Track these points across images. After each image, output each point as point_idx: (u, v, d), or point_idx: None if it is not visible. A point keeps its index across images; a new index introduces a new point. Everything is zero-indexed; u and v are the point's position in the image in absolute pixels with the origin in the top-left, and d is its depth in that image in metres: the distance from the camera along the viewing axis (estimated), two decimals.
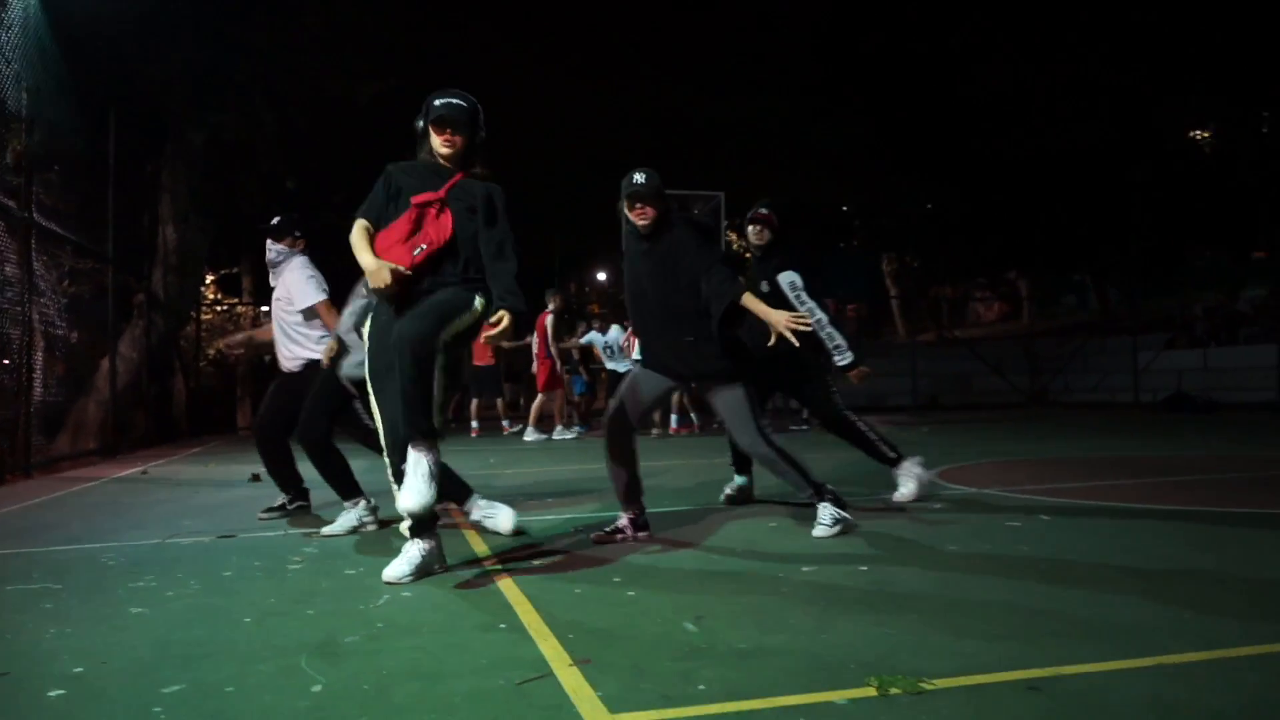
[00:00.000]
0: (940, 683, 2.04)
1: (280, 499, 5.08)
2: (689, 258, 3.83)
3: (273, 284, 5.04)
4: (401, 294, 3.38)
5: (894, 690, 2.00)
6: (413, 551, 3.31)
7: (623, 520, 4.03)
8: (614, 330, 12.77)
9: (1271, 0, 19.47)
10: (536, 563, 3.58)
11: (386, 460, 3.49)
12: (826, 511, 3.95)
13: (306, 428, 4.62)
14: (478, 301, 3.38)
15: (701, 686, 2.06)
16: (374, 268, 3.35)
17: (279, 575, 3.47)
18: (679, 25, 20.29)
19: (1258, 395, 15.68)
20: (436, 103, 3.53)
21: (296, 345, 4.91)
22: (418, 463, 3.20)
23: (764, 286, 4.77)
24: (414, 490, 3.19)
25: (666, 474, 6.71)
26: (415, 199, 3.45)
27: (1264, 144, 23.72)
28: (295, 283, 4.88)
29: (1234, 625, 2.45)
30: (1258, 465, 6.53)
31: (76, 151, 10.38)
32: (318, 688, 2.12)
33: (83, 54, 10.74)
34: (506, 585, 3.16)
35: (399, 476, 3.30)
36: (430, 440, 3.23)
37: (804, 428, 11.89)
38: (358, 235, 3.47)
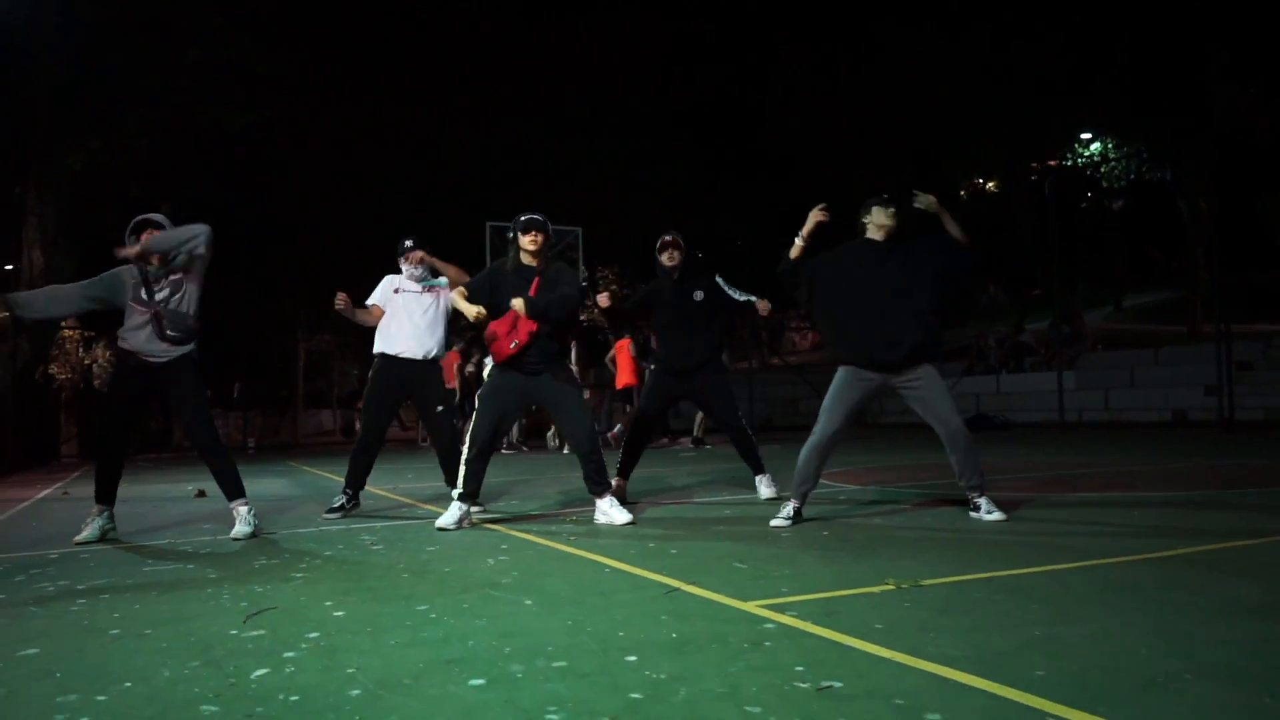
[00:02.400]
0: (930, 581, 3.24)
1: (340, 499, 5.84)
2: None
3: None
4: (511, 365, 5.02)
5: (904, 585, 3.18)
6: (455, 510, 4.99)
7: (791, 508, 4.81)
8: None
9: (1044, 69, 22.69)
10: (571, 532, 4.58)
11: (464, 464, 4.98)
12: (984, 503, 4.74)
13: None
14: (573, 370, 5.34)
15: (785, 590, 3.17)
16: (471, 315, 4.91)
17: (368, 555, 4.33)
18: (530, 69, 21.44)
19: (1042, 415, 18.23)
20: (523, 218, 5.06)
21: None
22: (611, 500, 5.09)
23: (698, 295, 5.94)
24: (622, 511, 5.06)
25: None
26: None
27: (1037, 195, 27.12)
28: None
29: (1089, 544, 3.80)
30: (1051, 467, 8.27)
31: None
32: (530, 601, 3.09)
33: None
34: (573, 550, 4.16)
35: (456, 477, 5.03)
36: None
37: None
38: (458, 297, 5.06)
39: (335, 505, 5.79)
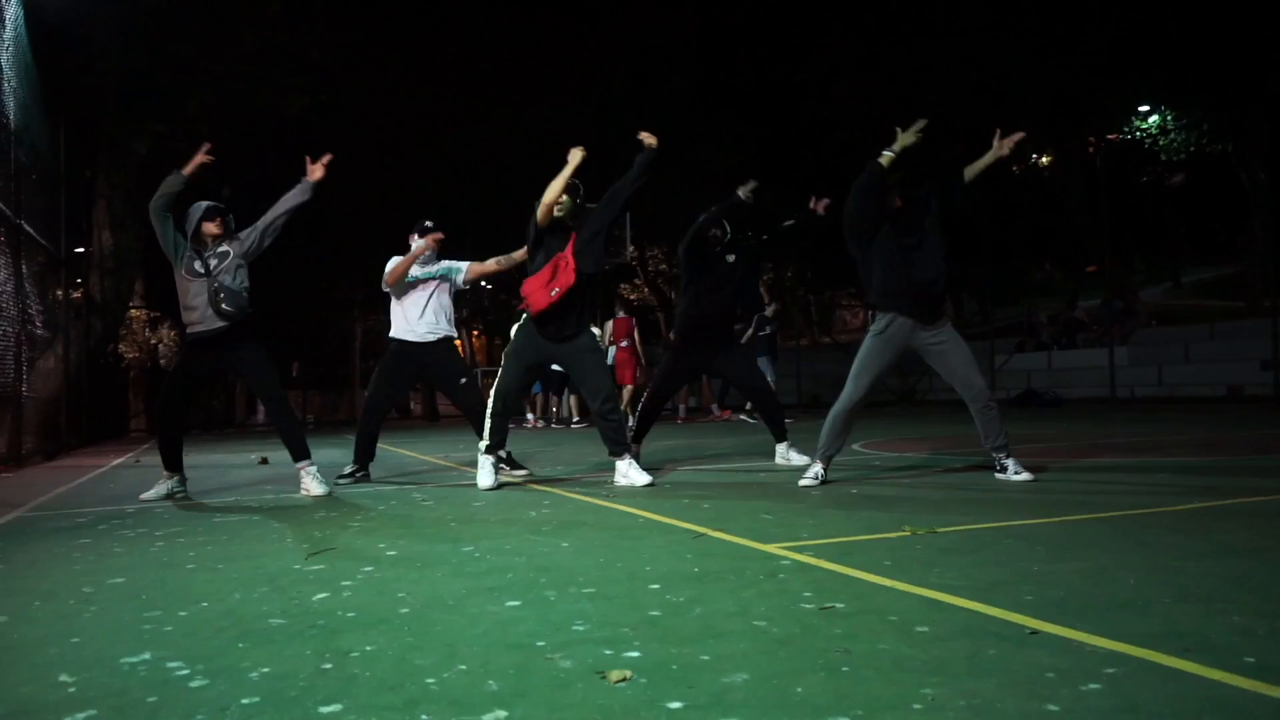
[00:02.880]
0: (945, 529, 3.42)
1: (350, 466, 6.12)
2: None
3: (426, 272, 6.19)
4: (547, 322, 5.23)
5: (919, 531, 3.36)
6: (487, 464, 5.28)
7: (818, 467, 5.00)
8: None
9: (1094, 44, 22.31)
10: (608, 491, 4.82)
11: (489, 418, 5.25)
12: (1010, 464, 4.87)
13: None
14: (596, 335, 5.47)
15: (805, 535, 3.38)
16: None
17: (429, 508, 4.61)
18: (577, 53, 21.62)
19: (1094, 391, 18.09)
20: None
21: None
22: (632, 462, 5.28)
23: (730, 258, 6.14)
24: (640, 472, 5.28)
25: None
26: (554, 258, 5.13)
27: (1090, 171, 26.69)
28: None
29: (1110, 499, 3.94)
30: (1088, 437, 8.32)
31: (44, 160, 10.88)
32: (566, 543, 3.34)
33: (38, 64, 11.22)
34: (622, 508, 4.40)
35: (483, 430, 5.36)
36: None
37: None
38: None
39: (346, 472, 6.10)
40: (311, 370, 34.51)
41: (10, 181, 9.19)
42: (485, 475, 5.28)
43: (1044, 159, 31.02)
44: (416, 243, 6.11)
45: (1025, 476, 4.82)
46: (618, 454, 5.30)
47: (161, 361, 25.04)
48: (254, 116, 15.38)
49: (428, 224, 6.17)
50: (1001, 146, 4.83)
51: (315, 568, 3.05)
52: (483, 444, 5.34)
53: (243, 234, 5.30)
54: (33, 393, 11.25)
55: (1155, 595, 2.32)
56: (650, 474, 5.34)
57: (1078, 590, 2.40)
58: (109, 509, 5.02)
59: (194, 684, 1.87)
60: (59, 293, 11.93)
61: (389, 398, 6.30)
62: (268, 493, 5.63)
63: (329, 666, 1.95)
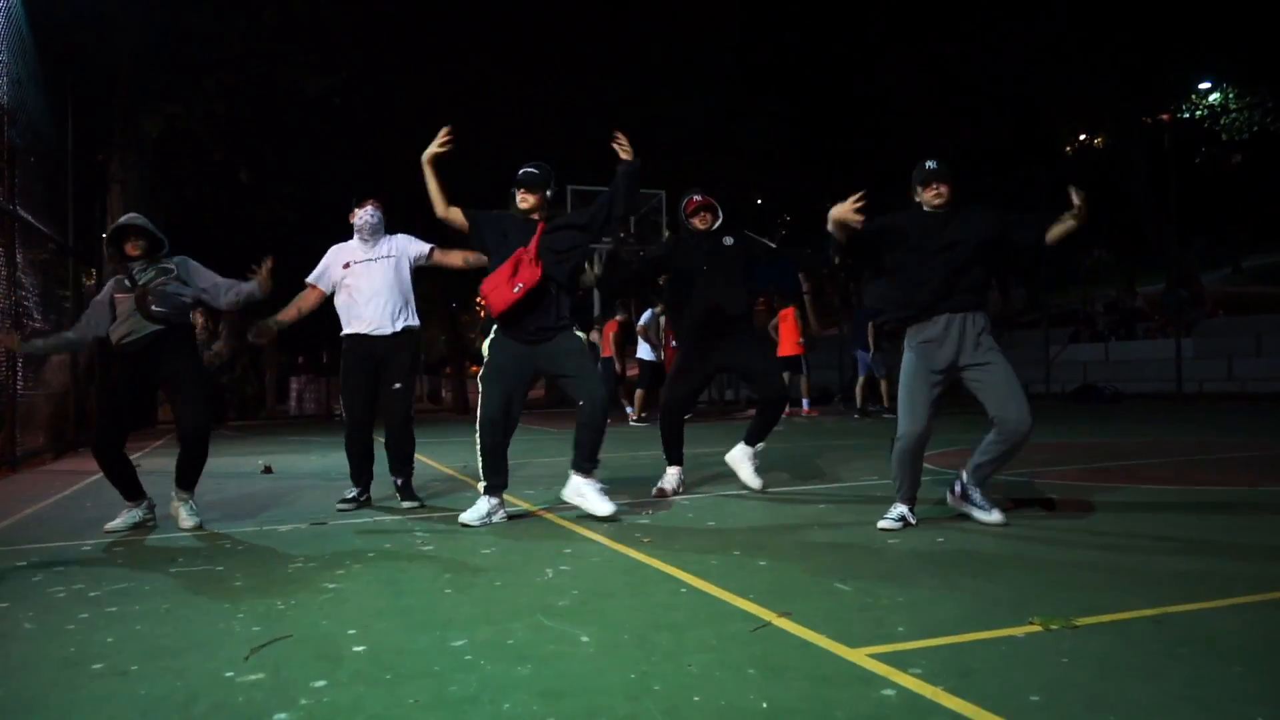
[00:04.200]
0: (1084, 620, 2.59)
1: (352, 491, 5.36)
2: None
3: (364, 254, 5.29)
4: (514, 321, 4.53)
5: (1053, 626, 2.54)
6: (482, 505, 4.52)
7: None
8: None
9: (1152, 18, 21.07)
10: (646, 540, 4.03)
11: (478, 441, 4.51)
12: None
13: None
14: (582, 339, 4.67)
15: (900, 629, 2.57)
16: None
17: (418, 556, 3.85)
18: (612, 28, 20.73)
19: (1157, 386, 17.00)
20: (520, 172, 4.60)
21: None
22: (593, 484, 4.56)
23: (727, 240, 5.40)
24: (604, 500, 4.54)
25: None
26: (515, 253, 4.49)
27: (1150, 149, 25.42)
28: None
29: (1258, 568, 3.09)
30: (1184, 449, 7.40)
31: (45, 140, 10.25)
32: (584, 639, 2.56)
33: (39, 39, 10.61)
34: (648, 560, 3.61)
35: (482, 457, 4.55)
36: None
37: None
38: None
39: (348, 497, 5.31)
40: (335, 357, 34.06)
41: (3, 164, 8.55)
42: (474, 511, 4.55)
43: (1098, 139, 29.72)
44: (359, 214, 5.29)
45: (997, 518, 4.08)
46: (583, 471, 4.58)
47: None
48: (273, 95, 14.68)
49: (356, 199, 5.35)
50: (1079, 208, 3.96)
51: (251, 678, 2.29)
52: (481, 485, 4.58)
53: (199, 278, 4.76)
54: (37, 389, 10.72)
55: None
56: (678, 494, 4.68)
57: None
58: (63, 544, 4.32)
59: None
60: (68, 283, 11.34)
61: (354, 419, 5.43)
62: (249, 523, 4.90)
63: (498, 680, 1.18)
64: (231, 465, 8.24)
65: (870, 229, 4.10)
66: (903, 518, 4.09)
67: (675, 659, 2.35)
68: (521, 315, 4.48)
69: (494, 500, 4.54)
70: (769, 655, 2.37)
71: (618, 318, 14.15)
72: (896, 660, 2.28)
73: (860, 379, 13.60)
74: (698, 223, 5.36)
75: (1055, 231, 4.05)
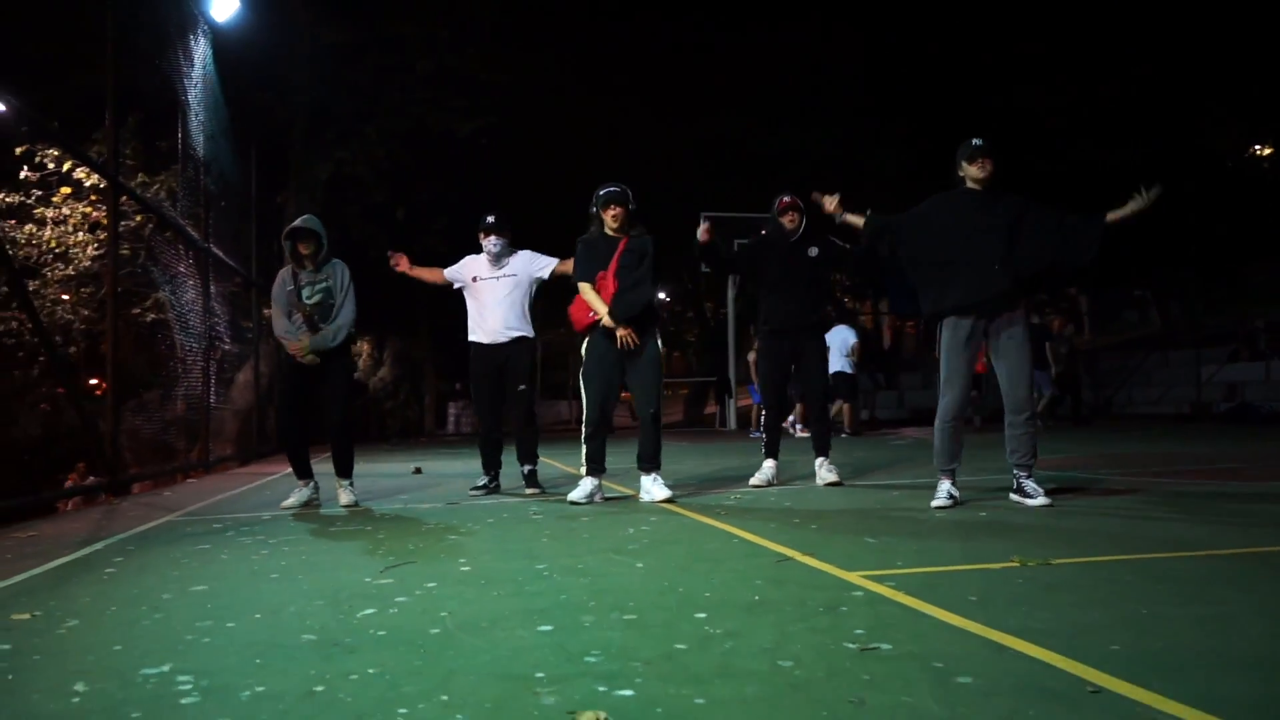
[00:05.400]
0: (1061, 560, 3.05)
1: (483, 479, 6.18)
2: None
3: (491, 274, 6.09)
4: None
5: (1030, 563, 3.01)
6: (586, 485, 5.22)
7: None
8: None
9: None
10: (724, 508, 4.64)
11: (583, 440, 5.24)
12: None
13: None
14: (660, 342, 5.30)
15: (899, 563, 3.09)
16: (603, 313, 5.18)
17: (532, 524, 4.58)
18: (737, 61, 21.44)
19: None
20: (602, 192, 5.26)
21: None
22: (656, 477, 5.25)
23: (812, 251, 5.82)
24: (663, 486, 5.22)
25: None
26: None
27: None
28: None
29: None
30: None
31: (233, 187, 11.73)
32: (639, 564, 3.20)
33: (228, 98, 12.12)
34: (717, 524, 4.22)
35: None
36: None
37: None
38: (589, 293, 5.27)
39: (479, 484, 6.11)
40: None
41: (200, 208, 9.95)
42: (579, 489, 5.27)
43: (1265, 149, 28.27)
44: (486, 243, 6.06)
45: (1042, 501, 4.46)
46: (645, 469, 5.30)
47: (356, 374, 26.50)
48: (427, 139, 16.06)
49: (489, 220, 6.05)
50: (1149, 197, 4.39)
51: (383, 582, 3.04)
52: (582, 468, 5.31)
53: (342, 282, 5.60)
54: (227, 404, 12.18)
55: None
56: (773, 485, 5.35)
57: (1184, 642, 2.05)
58: (247, 516, 5.27)
59: (185, 701, 1.85)
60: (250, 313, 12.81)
61: (483, 419, 6.30)
62: (399, 502, 5.76)
63: (320, 689, 1.89)
64: (388, 469, 9.26)
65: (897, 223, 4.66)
66: (950, 494, 4.53)
67: (704, 577, 2.96)
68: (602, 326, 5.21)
69: (595, 481, 5.23)
70: (780, 575, 2.95)
71: None
72: (880, 579, 2.82)
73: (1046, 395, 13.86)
74: (787, 223, 5.89)
75: (1115, 215, 4.45)
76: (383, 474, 8.49)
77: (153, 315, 10.70)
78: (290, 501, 5.61)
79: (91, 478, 7.11)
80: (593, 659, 2.04)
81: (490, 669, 2.00)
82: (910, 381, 22.25)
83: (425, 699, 1.80)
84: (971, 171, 4.60)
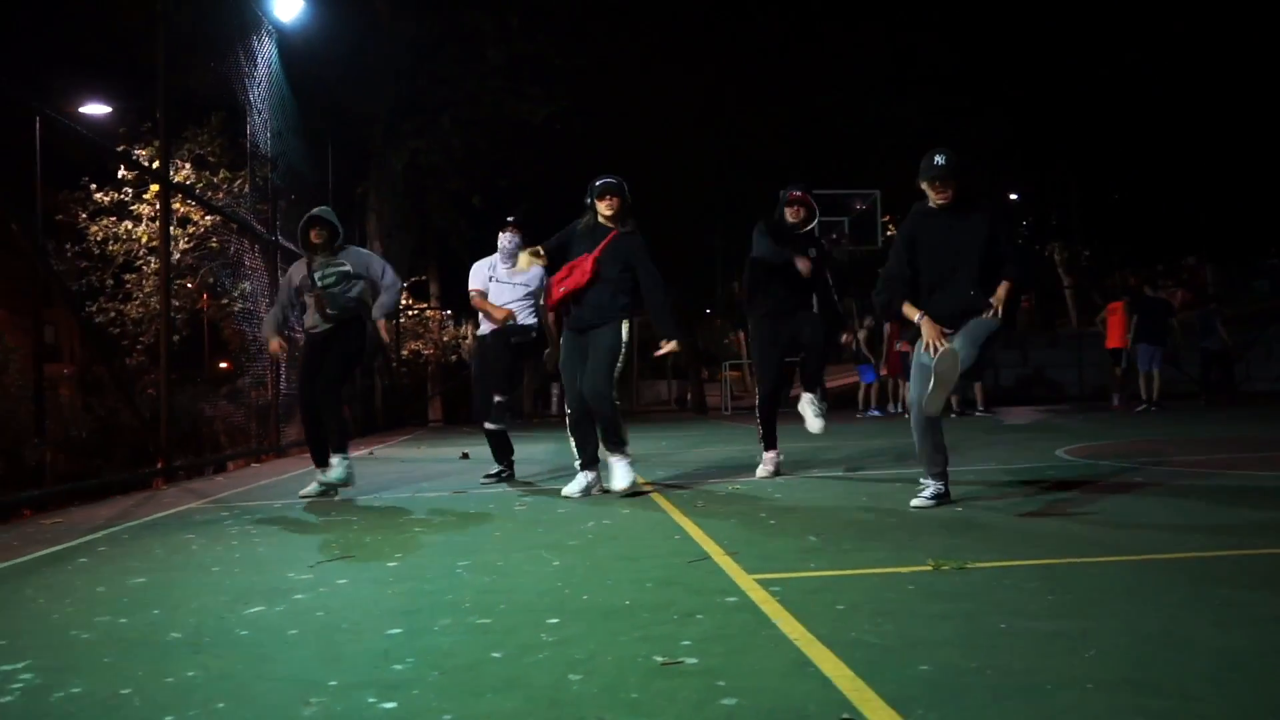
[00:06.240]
0: (977, 564, 2.94)
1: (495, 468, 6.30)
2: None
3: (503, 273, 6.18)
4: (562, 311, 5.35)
5: (944, 566, 2.91)
6: (581, 479, 5.19)
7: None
8: None
9: None
10: (699, 504, 4.61)
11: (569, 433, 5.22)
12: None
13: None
14: (624, 331, 5.12)
15: (812, 564, 3.03)
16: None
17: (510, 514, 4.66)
18: (828, 34, 20.95)
19: None
20: (599, 182, 5.23)
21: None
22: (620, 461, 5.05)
23: (811, 253, 5.65)
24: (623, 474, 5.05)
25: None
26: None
27: None
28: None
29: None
30: None
31: (303, 180, 12.17)
32: (556, 563, 3.22)
33: (303, 97, 12.55)
34: (679, 518, 4.20)
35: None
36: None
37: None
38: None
39: (491, 473, 6.23)
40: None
41: (264, 203, 10.37)
42: (574, 484, 5.23)
43: None
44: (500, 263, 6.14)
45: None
46: (610, 451, 5.13)
47: (453, 357, 27.08)
48: (502, 126, 16.30)
49: (509, 219, 6.16)
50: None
51: (302, 578, 3.15)
52: (576, 462, 5.31)
53: (371, 267, 5.71)
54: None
55: (1098, 677, 1.84)
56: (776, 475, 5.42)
57: (1000, 664, 1.96)
58: (257, 505, 5.51)
59: (3, 700, 1.97)
60: None
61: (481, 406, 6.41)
62: (408, 490, 5.92)
63: (127, 691, 1.99)
64: (439, 453, 9.51)
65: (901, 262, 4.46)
66: (934, 496, 4.34)
67: (605, 577, 2.97)
68: (570, 306, 5.22)
69: (590, 474, 5.24)
70: (677, 577, 2.93)
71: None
72: (770, 584, 2.77)
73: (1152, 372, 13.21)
74: (790, 216, 5.76)
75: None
76: (431, 459, 8.73)
77: (239, 305, 11.23)
78: (310, 489, 5.82)
79: (160, 463, 7.54)
80: (400, 667, 2.08)
81: (293, 675, 2.06)
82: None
83: (201, 706, 1.87)
84: (931, 195, 4.32)
